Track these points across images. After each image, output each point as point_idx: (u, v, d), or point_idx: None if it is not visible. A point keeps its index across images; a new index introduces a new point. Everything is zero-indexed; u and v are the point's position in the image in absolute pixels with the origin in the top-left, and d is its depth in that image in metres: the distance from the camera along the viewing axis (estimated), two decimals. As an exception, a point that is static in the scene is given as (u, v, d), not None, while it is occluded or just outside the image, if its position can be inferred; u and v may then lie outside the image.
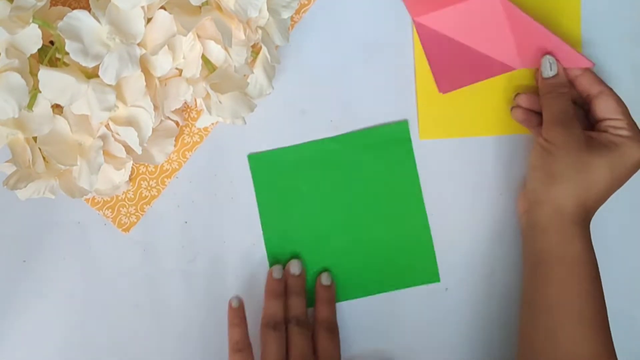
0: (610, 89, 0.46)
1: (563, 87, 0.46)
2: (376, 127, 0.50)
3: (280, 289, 0.49)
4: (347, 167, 0.50)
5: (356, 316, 0.50)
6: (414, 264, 0.50)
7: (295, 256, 0.50)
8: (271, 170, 0.49)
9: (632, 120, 0.45)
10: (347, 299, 0.50)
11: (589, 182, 0.43)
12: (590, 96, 0.47)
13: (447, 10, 0.48)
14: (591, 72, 0.47)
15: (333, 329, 0.48)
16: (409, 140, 0.50)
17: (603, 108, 0.46)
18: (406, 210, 0.50)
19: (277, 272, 0.49)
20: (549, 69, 0.47)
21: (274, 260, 0.50)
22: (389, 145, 0.50)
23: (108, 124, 0.42)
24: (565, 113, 0.45)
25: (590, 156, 0.44)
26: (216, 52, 0.41)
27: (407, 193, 0.50)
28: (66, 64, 0.39)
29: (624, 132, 0.45)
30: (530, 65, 0.49)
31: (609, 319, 0.50)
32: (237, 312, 0.49)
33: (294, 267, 0.49)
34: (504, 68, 0.49)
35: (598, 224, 0.51)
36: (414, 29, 0.50)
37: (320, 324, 0.48)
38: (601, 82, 0.47)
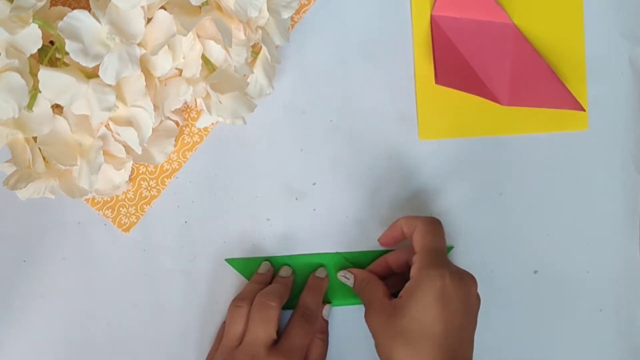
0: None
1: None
2: None
3: (263, 279, 0.49)
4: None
5: (352, 321, 0.50)
6: None
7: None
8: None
9: (428, 252, 0.43)
10: (341, 305, 0.50)
11: (414, 341, 0.41)
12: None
13: (464, 20, 0.48)
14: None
15: (308, 316, 0.47)
16: None
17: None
18: None
19: (263, 267, 0.49)
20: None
21: None
22: None
23: (108, 124, 0.42)
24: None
25: (401, 317, 0.42)
26: (216, 52, 0.41)
27: None
28: (66, 64, 0.39)
29: (414, 269, 0.43)
30: (517, 104, 0.48)
31: (609, 317, 0.50)
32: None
33: (284, 271, 0.49)
34: (493, 98, 0.48)
35: (594, 222, 0.51)
36: (414, 30, 0.50)
37: (298, 308, 0.48)
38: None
